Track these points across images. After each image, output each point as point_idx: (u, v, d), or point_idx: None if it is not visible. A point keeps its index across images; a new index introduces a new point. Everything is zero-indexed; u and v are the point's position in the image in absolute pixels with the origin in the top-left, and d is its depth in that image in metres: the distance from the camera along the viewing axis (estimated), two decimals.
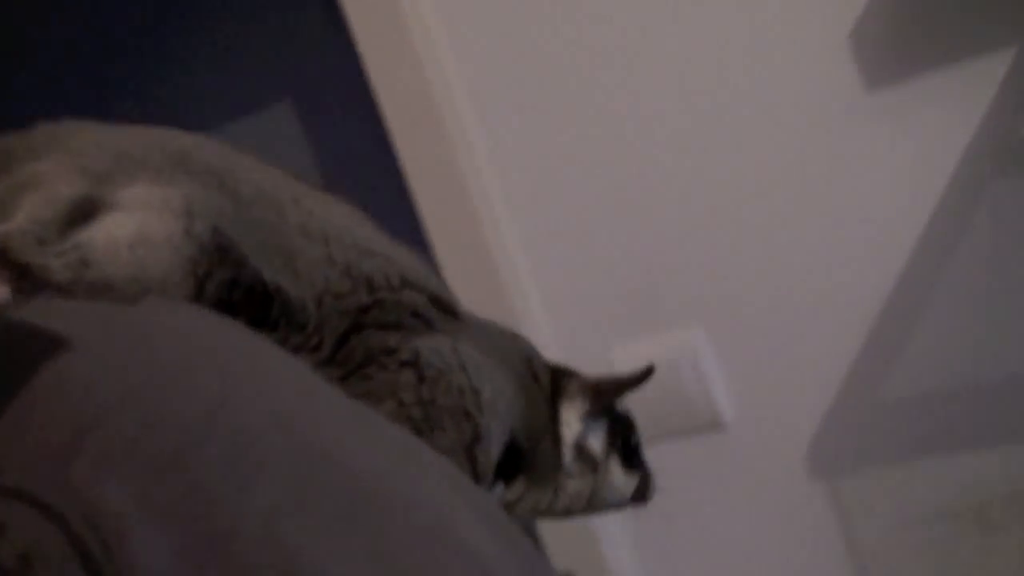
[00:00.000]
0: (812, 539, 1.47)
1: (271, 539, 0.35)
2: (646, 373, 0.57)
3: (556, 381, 0.54)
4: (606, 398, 0.55)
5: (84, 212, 0.44)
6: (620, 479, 0.57)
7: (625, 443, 0.57)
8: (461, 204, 1.51)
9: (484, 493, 0.44)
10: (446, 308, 0.52)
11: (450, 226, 1.52)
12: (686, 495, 1.51)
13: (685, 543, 1.54)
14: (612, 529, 1.55)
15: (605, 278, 1.50)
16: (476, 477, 0.48)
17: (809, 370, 1.42)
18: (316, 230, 0.48)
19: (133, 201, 0.44)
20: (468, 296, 1.50)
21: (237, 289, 0.45)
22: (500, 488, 0.52)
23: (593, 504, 0.56)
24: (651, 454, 1.51)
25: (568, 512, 0.56)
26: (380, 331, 0.48)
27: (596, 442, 0.56)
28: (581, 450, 0.55)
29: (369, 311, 0.48)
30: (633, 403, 1.48)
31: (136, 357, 0.37)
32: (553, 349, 1.50)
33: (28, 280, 0.42)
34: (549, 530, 1.52)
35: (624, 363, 1.49)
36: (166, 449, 0.35)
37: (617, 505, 0.57)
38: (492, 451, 0.49)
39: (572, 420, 0.54)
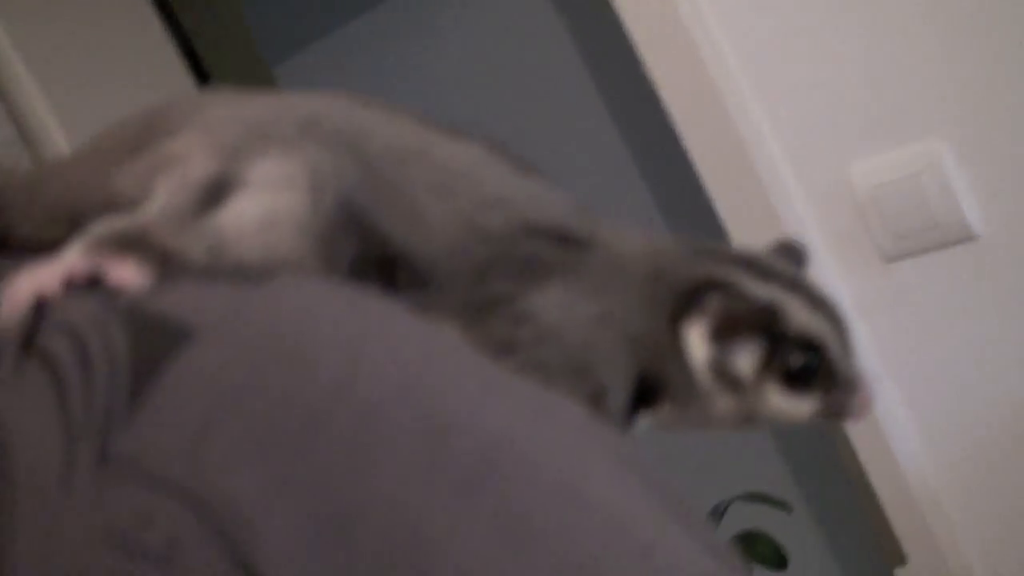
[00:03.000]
0: None
1: (397, 514, 0.35)
2: (754, 301, 0.52)
3: (696, 295, 0.51)
4: (739, 327, 0.51)
5: (217, 192, 0.45)
6: (783, 402, 0.53)
7: (791, 365, 0.52)
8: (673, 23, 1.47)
9: (627, 442, 0.41)
10: (573, 241, 0.51)
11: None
12: (940, 308, 1.48)
13: (940, 355, 1.50)
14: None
15: (839, 93, 1.44)
16: (611, 424, 0.47)
17: None
18: (443, 184, 0.48)
19: (262, 179, 0.45)
20: (693, 119, 1.48)
21: (367, 259, 0.46)
22: (645, 417, 0.52)
23: (759, 420, 0.54)
24: (903, 270, 1.49)
25: (734, 425, 0.54)
26: (500, 280, 0.49)
27: (744, 363, 0.53)
28: (720, 369, 0.52)
29: (493, 263, 0.49)
30: (879, 220, 1.44)
31: (262, 341, 0.38)
32: (788, 171, 1.47)
33: (170, 265, 0.42)
34: None
35: (864, 179, 1.45)
36: (293, 431, 0.36)
37: (798, 421, 0.54)
38: (618, 397, 0.50)
39: (696, 342, 0.52)
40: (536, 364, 0.48)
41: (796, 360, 0.53)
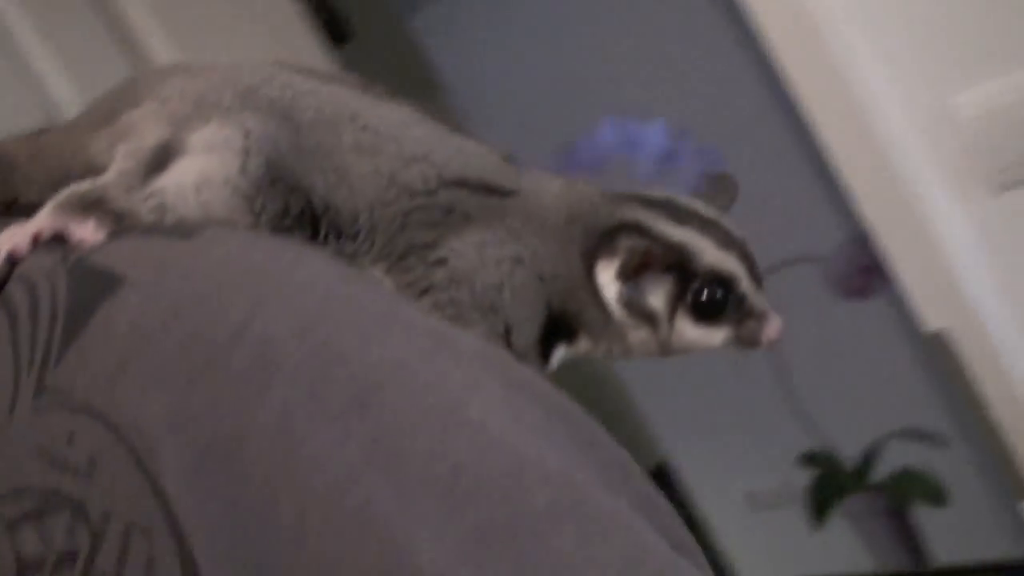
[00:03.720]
0: None
1: (281, 434, 0.40)
2: (658, 242, 0.56)
3: (610, 237, 0.56)
4: (646, 262, 0.56)
5: (163, 158, 0.52)
6: (695, 332, 0.59)
7: (700, 298, 0.58)
8: None
9: (528, 371, 0.47)
10: (493, 190, 0.56)
11: None
12: None
13: None
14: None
15: (943, 21, 1.43)
16: (519, 358, 0.51)
17: None
18: (368, 144, 0.54)
19: (201, 144, 0.52)
20: (794, 53, 1.48)
21: (288, 215, 0.52)
22: (561, 349, 0.58)
23: (673, 350, 0.59)
24: (1016, 198, 1.47)
25: (650, 355, 0.59)
26: (420, 228, 0.54)
27: (655, 299, 0.57)
28: (632, 305, 0.57)
29: (410, 213, 0.54)
30: (988, 149, 1.43)
31: (179, 286, 0.45)
32: (893, 103, 1.47)
33: (123, 223, 0.50)
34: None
35: (971, 109, 1.43)
36: (197, 364, 0.42)
37: (710, 350, 0.59)
38: (527, 333, 0.55)
39: (607, 280, 0.56)
40: (449, 303, 0.53)
41: (704, 295, 0.57)
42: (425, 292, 0.54)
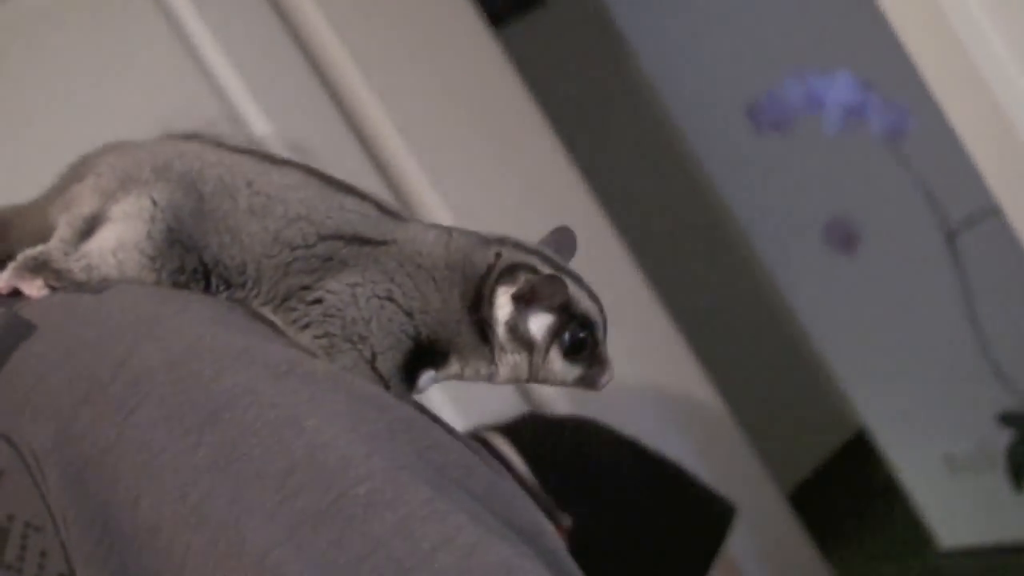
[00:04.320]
0: None
1: (143, 446, 0.51)
2: (556, 282, 0.65)
3: (510, 271, 0.65)
4: (534, 296, 0.65)
5: (92, 225, 0.63)
6: (559, 365, 0.67)
7: (573, 339, 0.66)
8: None
9: (375, 389, 0.58)
10: (362, 240, 0.65)
11: None
12: None
13: None
14: None
15: None
16: (383, 381, 0.63)
17: None
18: (259, 207, 0.64)
19: (119, 214, 0.63)
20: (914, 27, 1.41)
21: (184, 271, 0.63)
22: (430, 373, 0.67)
23: (537, 377, 0.67)
24: None
25: (515, 379, 0.68)
26: (300, 275, 0.64)
27: (536, 328, 0.66)
28: (515, 330, 0.65)
29: (291, 263, 0.64)
30: None
31: (77, 332, 0.57)
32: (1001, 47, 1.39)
33: (61, 281, 0.62)
34: None
35: None
36: (80, 395, 0.54)
37: (564, 383, 0.68)
38: (391, 359, 0.64)
39: (504, 303, 0.65)
40: (324, 335, 0.63)
41: (576, 334, 0.66)
42: (305, 327, 0.63)
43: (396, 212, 0.68)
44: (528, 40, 2.61)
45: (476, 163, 1.84)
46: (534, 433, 1.46)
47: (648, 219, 2.64)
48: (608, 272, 1.88)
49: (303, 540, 0.48)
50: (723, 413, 1.96)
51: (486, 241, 0.67)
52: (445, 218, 1.77)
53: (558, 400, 1.75)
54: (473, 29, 1.88)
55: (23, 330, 0.58)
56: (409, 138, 1.79)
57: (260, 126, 1.66)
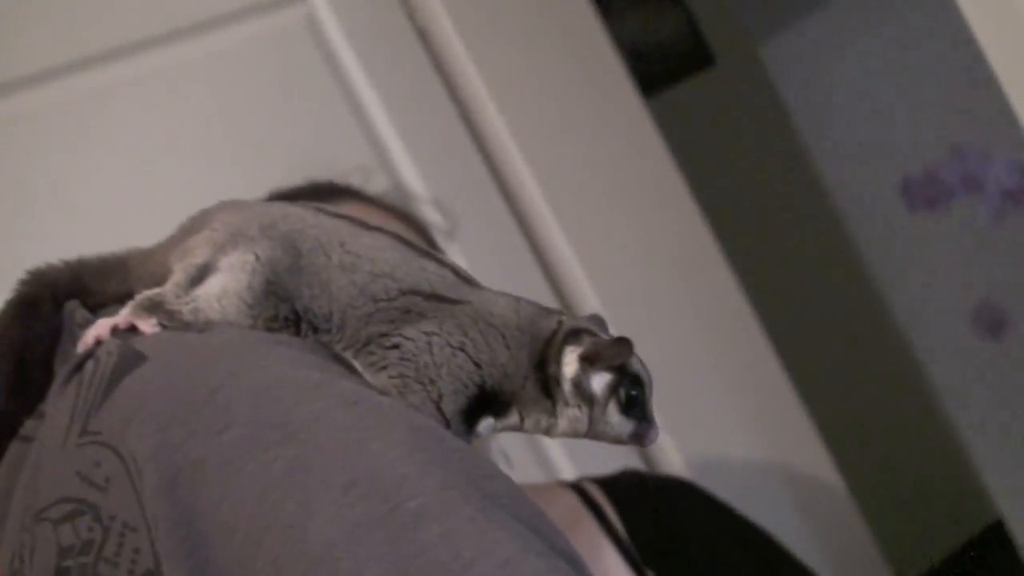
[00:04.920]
0: None
1: (229, 461, 0.59)
2: (623, 344, 0.72)
3: (574, 334, 0.73)
4: (601, 357, 0.72)
5: (203, 274, 0.71)
6: (616, 419, 0.73)
7: (628, 395, 0.73)
8: None
9: (434, 423, 0.65)
10: (440, 298, 0.73)
11: None
12: None
13: None
14: None
15: None
16: (446, 420, 0.70)
17: None
18: (348, 263, 0.72)
19: (227, 265, 0.71)
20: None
21: (278, 318, 0.71)
22: (489, 421, 0.73)
23: (594, 430, 0.74)
24: None
25: (572, 432, 0.74)
26: (380, 324, 0.72)
27: (597, 385, 0.72)
28: (579, 386, 0.72)
29: (373, 315, 0.72)
30: None
31: (180, 364, 0.65)
32: None
33: (172, 320, 0.70)
34: None
35: None
36: (178, 416, 0.61)
37: (617, 439, 0.75)
38: (455, 403, 0.71)
39: (571, 361, 0.72)
40: (399, 376, 0.71)
41: (630, 391, 0.73)
42: (383, 368, 0.71)
43: (470, 279, 0.75)
44: (696, 98, 2.63)
45: (618, 231, 1.85)
46: (631, 488, 1.46)
47: (788, 285, 2.61)
48: (736, 338, 1.87)
49: (359, 540, 0.55)
50: (845, 494, 1.92)
51: (548, 310, 0.75)
52: (580, 278, 1.78)
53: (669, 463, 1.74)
54: (626, 100, 1.89)
55: (136, 359, 0.66)
56: (559, 213, 1.81)
57: (411, 179, 1.70)
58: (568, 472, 1.64)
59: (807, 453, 1.88)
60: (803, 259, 2.80)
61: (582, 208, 1.83)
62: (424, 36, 1.79)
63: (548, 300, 1.61)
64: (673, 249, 1.86)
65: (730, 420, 1.80)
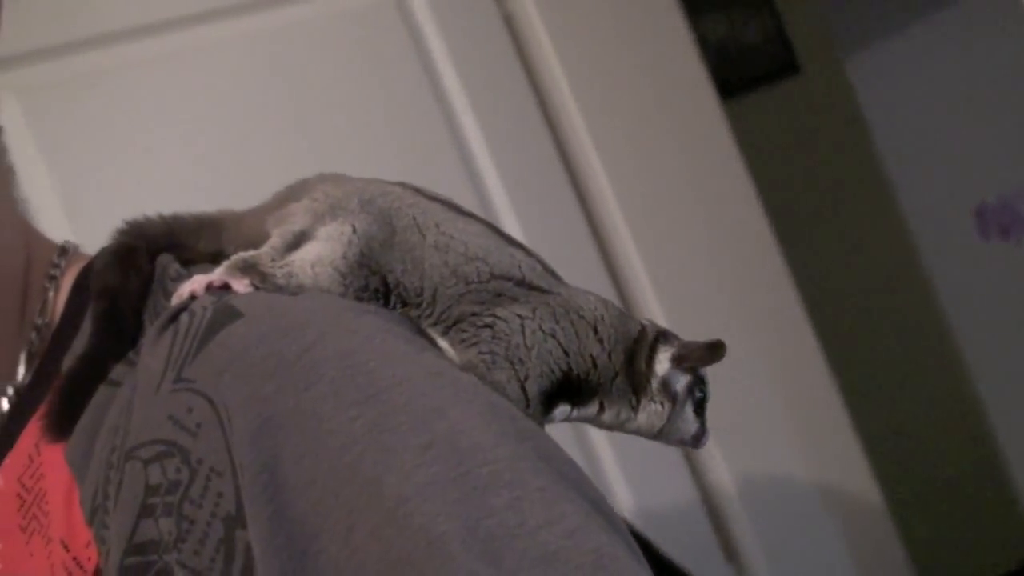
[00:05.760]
0: None
1: (313, 415, 0.61)
2: (718, 349, 0.75)
3: (664, 336, 0.77)
4: (691, 359, 0.75)
5: (300, 241, 0.74)
6: (690, 418, 0.77)
7: (701, 398, 0.77)
8: None
9: (508, 403, 0.67)
10: (530, 286, 0.75)
11: None
12: None
13: None
14: None
15: None
16: (527, 400, 0.72)
17: None
18: (443, 244, 0.75)
19: (324, 235, 0.73)
20: None
21: (368, 289, 0.73)
22: (565, 407, 0.75)
23: (668, 426, 0.77)
24: None
25: (648, 428, 0.77)
26: (471, 304, 0.74)
27: (679, 385, 0.76)
28: (666, 384, 0.75)
29: (464, 295, 0.74)
30: None
31: (273, 322, 0.66)
32: None
33: (265, 282, 0.72)
34: None
35: None
36: (269, 370, 0.63)
37: (681, 439, 0.78)
38: (539, 384, 0.73)
39: (664, 360, 0.75)
40: (489, 353, 0.73)
41: (704, 393, 0.77)
42: (473, 345, 0.73)
43: (555, 273, 0.77)
44: (778, 105, 2.61)
45: (684, 235, 1.84)
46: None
47: (853, 303, 2.59)
48: (793, 355, 1.86)
49: (431, 498, 0.57)
50: (888, 522, 1.90)
51: (627, 313, 0.78)
52: (643, 277, 1.79)
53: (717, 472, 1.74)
54: (706, 104, 1.89)
55: (231, 315, 0.67)
56: (627, 211, 1.81)
57: (483, 162, 1.71)
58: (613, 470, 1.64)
59: (854, 477, 1.87)
60: (870, 277, 2.77)
61: (648, 204, 1.82)
62: (509, 22, 1.80)
63: (609, 299, 1.60)
64: (738, 260, 1.86)
65: (780, 437, 1.79)
